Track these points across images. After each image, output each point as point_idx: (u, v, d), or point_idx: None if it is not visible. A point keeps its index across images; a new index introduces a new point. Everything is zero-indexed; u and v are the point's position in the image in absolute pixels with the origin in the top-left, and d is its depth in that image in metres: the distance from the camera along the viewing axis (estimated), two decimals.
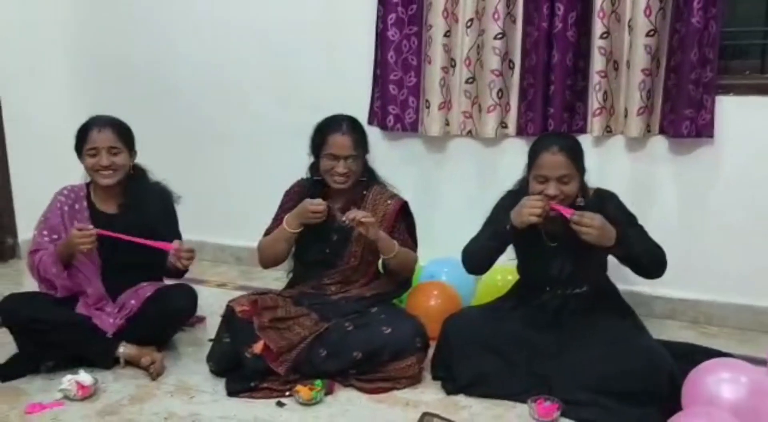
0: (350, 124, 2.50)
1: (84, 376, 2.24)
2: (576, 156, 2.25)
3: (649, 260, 2.27)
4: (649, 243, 2.28)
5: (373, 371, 2.29)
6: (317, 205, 2.38)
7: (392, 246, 2.45)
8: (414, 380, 2.33)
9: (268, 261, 2.57)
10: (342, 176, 2.46)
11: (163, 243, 2.37)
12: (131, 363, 2.43)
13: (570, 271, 2.31)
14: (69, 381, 2.22)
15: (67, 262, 2.39)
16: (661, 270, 2.30)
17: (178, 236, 2.57)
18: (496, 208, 2.42)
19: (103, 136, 2.45)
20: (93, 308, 2.44)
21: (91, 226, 2.35)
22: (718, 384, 1.91)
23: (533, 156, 2.28)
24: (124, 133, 2.51)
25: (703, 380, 1.95)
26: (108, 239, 2.34)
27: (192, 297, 2.54)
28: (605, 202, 2.30)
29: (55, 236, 2.44)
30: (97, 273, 2.47)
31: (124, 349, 2.42)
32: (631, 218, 2.33)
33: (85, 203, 2.52)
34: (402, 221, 2.58)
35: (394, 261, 2.49)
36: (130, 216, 2.48)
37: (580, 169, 2.27)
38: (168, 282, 2.61)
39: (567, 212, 2.17)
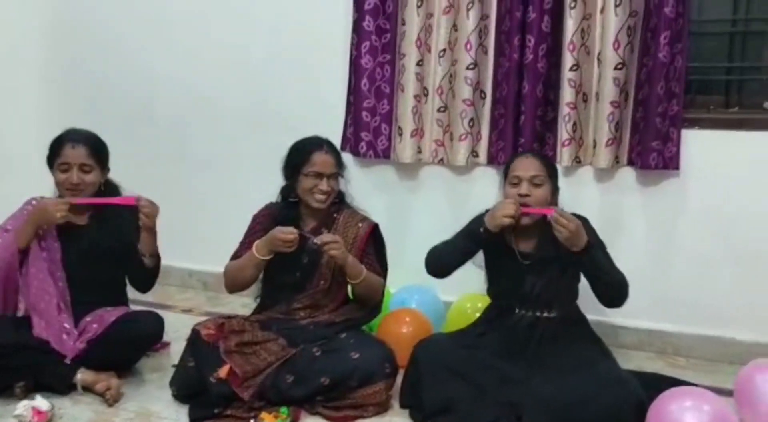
0: (330, 144, 2.54)
1: (40, 401, 2.16)
2: (548, 164, 2.37)
3: (612, 281, 2.28)
4: (614, 267, 2.31)
5: (340, 398, 2.25)
6: (287, 233, 2.34)
7: (360, 271, 2.43)
8: (382, 407, 2.29)
9: (234, 286, 2.52)
10: (324, 194, 2.45)
11: (124, 199, 2.37)
12: (88, 389, 2.35)
13: (541, 290, 2.31)
14: (24, 406, 2.14)
15: (25, 244, 2.34)
16: (621, 296, 2.31)
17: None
18: (470, 222, 2.43)
19: (77, 152, 2.43)
20: (51, 327, 2.35)
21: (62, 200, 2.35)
22: (681, 412, 1.91)
23: (508, 166, 2.40)
24: (97, 150, 2.49)
25: (666, 408, 1.95)
26: (73, 254, 2.33)
27: (158, 323, 2.50)
28: None
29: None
30: (61, 280, 2.41)
31: (81, 375, 2.34)
32: (600, 243, 2.35)
33: None
34: (372, 244, 2.57)
35: (361, 287, 2.47)
36: (99, 229, 2.44)
37: (553, 179, 2.36)
38: (134, 307, 2.56)
39: (547, 211, 2.21)
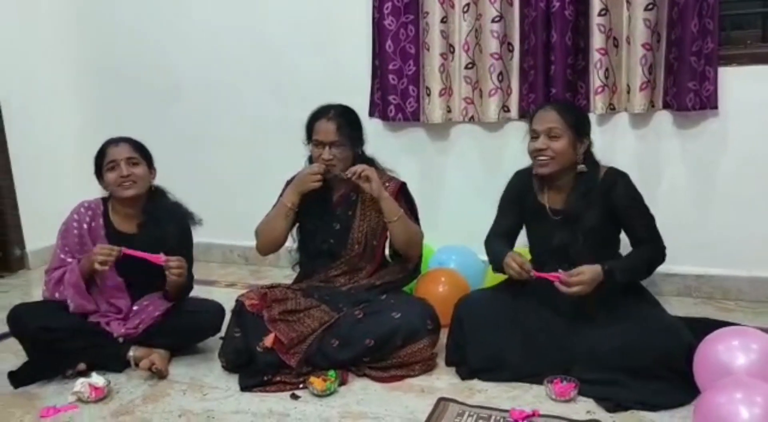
0: (339, 111, 2.46)
1: (96, 378, 2.23)
2: (568, 115, 2.25)
3: (644, 272, 2.29)
4: (642, 255, 2.27)
5: (386, 357, 2.27)
6: (314, 166, 2.40)
7: (396, 209, 2.41)
8: (428, 367, 2.31)
9: (265, 243, 2.55)
10: (326, 163, 2.42)
11: (154, 257, 2.33)
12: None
13: (570, 244, 2.27)
14: (82, 383, 2.21)
15: (88, 280, 2.38)
16: (653, 270, 2.33)
17: (191, 260, 2.54)
18: (506, 191, 2.42)
19: (120, 149, 2.44)
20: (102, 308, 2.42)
21: (115, 248, 2.32)
22: (729, 352, 1.87)
23: (531, 118, 2.33)
24: (139, 147, 2.50)
25: (714, 349, 1.92)
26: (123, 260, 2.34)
27: (218, 316, 2.52)
28: (615, 183, 2.25)
29: (70, 259, 2.41)
30: (123, 290, 2.45)
31: (134, 352, 2.40)
32: (638, 204, 2.28)
33: (101, 221, 2.47)
34: (403, 203, 2.54)
35: (398, 229, 2.42)
36: (148, 236, 2.43)
37: (576, 130, 2.25)
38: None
39: (553, 278, 2.17)
